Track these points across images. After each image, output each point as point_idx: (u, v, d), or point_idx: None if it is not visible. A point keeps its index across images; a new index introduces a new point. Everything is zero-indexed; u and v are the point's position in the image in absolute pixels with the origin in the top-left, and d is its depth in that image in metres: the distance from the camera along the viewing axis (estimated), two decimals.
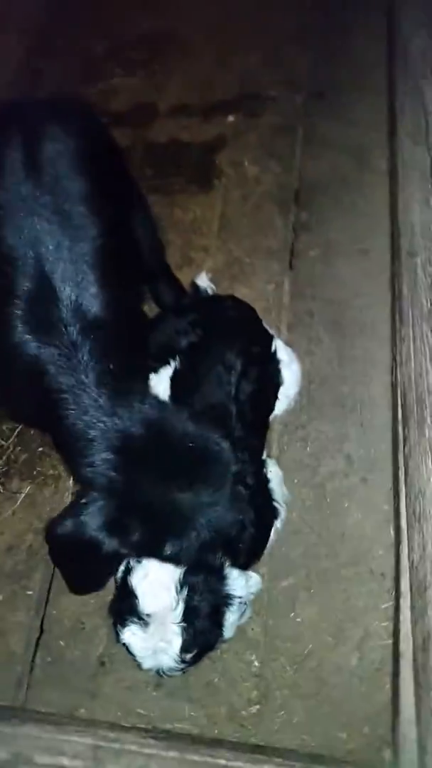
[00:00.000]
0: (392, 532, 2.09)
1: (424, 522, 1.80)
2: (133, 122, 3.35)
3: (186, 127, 3.26)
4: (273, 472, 2.05)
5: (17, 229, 1.54)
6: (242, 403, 1.94)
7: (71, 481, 2.42)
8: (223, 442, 1.65)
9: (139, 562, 1.74)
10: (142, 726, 1.92)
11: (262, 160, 3.02)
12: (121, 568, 1.79)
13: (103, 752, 1.60)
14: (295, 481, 2.22)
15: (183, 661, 1.67)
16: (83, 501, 1.58)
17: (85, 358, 1.55)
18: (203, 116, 3.27)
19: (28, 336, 1.54)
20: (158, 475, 1.57)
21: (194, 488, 1.57)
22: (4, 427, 2.58)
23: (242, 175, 3.00)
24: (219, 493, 1.60)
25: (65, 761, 1.57)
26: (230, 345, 2.01)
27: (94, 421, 1.58)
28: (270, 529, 1.97)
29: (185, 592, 1.66)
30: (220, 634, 1.74)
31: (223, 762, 1.64)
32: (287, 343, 2.44)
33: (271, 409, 2.16)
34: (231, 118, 3.20)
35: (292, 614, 2.02)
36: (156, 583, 1.69)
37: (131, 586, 1.71)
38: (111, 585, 1.90)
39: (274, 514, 1.99)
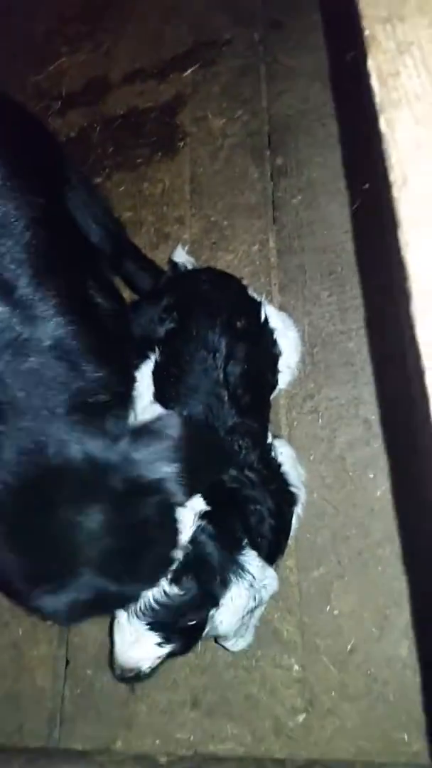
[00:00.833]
0: None
1: None
2: (88, 100, 3.11)
3: (142, 93, 2.99)
4: (284, 453, 1.82)
5: None
6: (233, 386, 1.71)
7: None
8: None
9: None
10: (183, 753, 1.76)
11: (226, 110, 2.73)
12: None
13: None
14: (311, 458, 1.98)
15: (169, 595, 1.40)
16: None
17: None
18: (159, 77, 3.00)
19: None
20: None
21: None
22: None
23: (207, 130, 2.73)
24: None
25: None
26: (210, 324, 1.77)
27: None
28: (291, 517, 1.75)
29: (201, 523, 1.47)
30: (215, 600, 1.47)
31: None
32: (281, 308, 2.19)
33: (271, 384, 1.92)
34: (188, 73, 2.91)
35: (329, 607, 1.80)
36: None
37: None
38: None
39: (292, 499, 1.76)
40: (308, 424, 2.03)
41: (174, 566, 1.39)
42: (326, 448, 1.98)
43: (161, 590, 1.39)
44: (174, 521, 1.37)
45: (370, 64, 0.55)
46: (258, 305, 1.94)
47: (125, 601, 1.39)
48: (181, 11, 3.08)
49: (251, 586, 1.49)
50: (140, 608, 1.40)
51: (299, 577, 1.85)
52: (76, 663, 2.01)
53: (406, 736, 1.60)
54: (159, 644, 1.45)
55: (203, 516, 1.47)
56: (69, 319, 1.32)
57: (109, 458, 1.23)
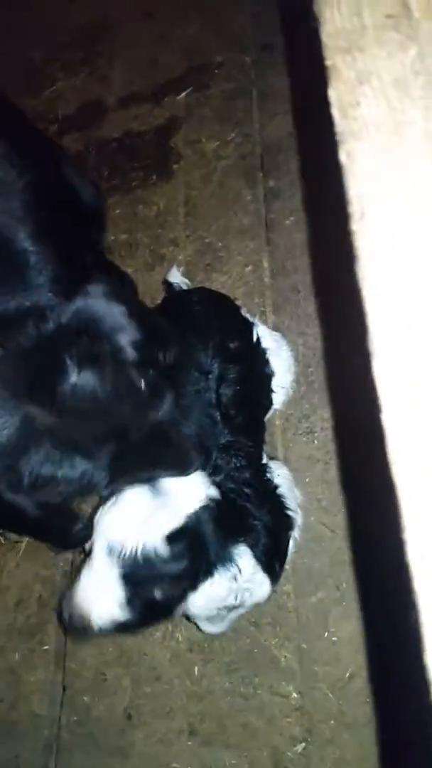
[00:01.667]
0: None
1: None
2: (83, 124, 3.14)
3: (137, 117, 3.02)
4: (281, 475, 1.80)
5: None
6: (225, 406, 1.70)
7: None
8: None
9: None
10: None
11: (219, 133, 2.75)
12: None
13: None
14: (307, 479, 1.96)
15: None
16: None
17: None
18: (153, 101, 3.02)
19: None
20: None
21: None
22: None
23: (201, 153, 2.75)
24: None
25: None
26: (203, 346, 1.76)
27: None
28: (287, 542, 1.72)
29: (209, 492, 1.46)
30: (195, 577, 1.42)
31: None
32: (275, 328, 2.18)
33: (265, 405, 1.91)
34: (182, 96, 2.94)
35: (327, 633, 1.77)
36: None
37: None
38: None
39: (288, 523, 1.73)
40: (304, 445, 2.01)
41: (172, 528, 1.36)
42: (322, 470, 1.96)
43: (152, 546, 1.34)
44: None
45: (332, 93, 0.55)
46: (250, 326, 1.93)
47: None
48: (173, 36, 3.12)
49: (234, 580, 1.45)
50: (123, 553, 1.34)
51: (297, 603, 1.82)
52: (73, 689, 1.98)
53: None
54: (120, 605, 1.36)
55: (212, 500, 1.46)
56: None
57: None
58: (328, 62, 0.56)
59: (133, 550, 1.34)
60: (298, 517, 1.77)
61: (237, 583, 1.45)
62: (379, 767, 1.52)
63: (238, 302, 2.16)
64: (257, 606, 1.70)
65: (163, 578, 1.37)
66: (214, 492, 1.48)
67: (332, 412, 1.95)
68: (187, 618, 1.67)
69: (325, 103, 0.55)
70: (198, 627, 1.72)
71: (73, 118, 3.19)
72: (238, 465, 1.66)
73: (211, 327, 1.85)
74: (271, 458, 1.85)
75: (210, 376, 1.73)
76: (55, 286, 1.42)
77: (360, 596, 1.72)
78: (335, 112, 0.54)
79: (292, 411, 2.07)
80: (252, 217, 2.51)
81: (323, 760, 1.64)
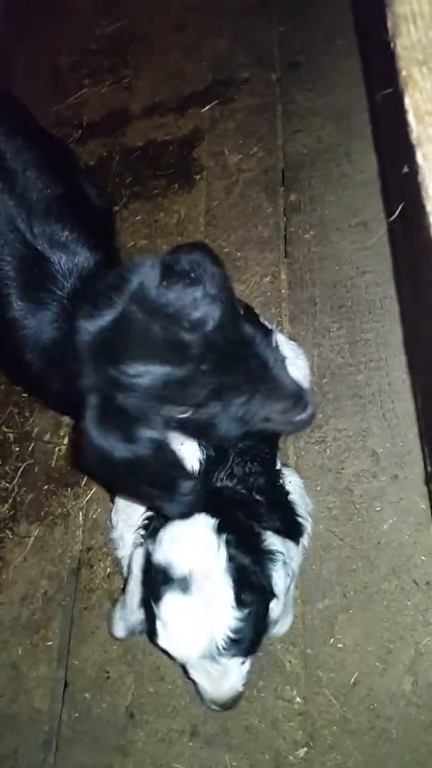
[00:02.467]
0: None
1: None
2: (108, 130, 3.20)
3: (161, 126, 3.08)
4: (293, 482, 1.83)
5: None
6: None
7: (81, 518, 2.26)
8: None
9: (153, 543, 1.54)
10: None
11: (242, 146, 2.81)
12: (139, 555, 1.58)
13: None
14: (318, 488, 1.99)
15: (242, 618, 1.39)
16: None
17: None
18: (178, 111, 3.09)
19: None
20: None
21: None
22: (7, 468, 2.44)
23: (223, 165, 2.80)
24: None
25: None
26: None
27: None
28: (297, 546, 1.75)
29: (223, 539, 1.44)
30: (272, 594, 1.49)
31: None
32: (291, 338, 2.22)
33: None
34: (206, 109, 3.00)
35: (332, 640, 1.79)
36: (187, 535, 1.48)
37: (157, 557, 1.49)
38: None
39: (299, 529, 1.76)
40: (316, 455, 2.05)
41: (231, 593, 1.39)
42: (333, 479, 1.99)
43: (232, 621, 1.38)
44: None
45: (408, 102, 0.59)
46: (270, 333, 1.97)
47: None
48: (201, 50, 3.19)
49: (284, 563, 1.53)
50: (219, 647, 1.39)
51: (304, 609, 1.84)
52: (75, 686, 1.99)
53: None
54: (242, 662, 1.49)
55: (219, 529, 1.47)
56: None
57: None
58: (404, 73, 0.60)
59: (223, 640, 1.39)
60: (308, 524, 1.81)
61: (286, 563, 1.54)
62: None
63: (256, 311, 2.20)
64: None
65: (260, 620, 1.46)
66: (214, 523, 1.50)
67: None
68: None
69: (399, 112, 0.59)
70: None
71: (97, 125, 3.24)
72: (253, 470, 1.69)
73: None
74: (284, 464, 1.88)
75: None
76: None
77: None
78: (411, 118, 0.58)
79: None
80: (271, 229, 2.56)
81: (324, 765, 1.65)
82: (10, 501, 2.37)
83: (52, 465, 2.39)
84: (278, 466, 1.83)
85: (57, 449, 2.43)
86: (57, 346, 1.57)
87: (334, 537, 1.91)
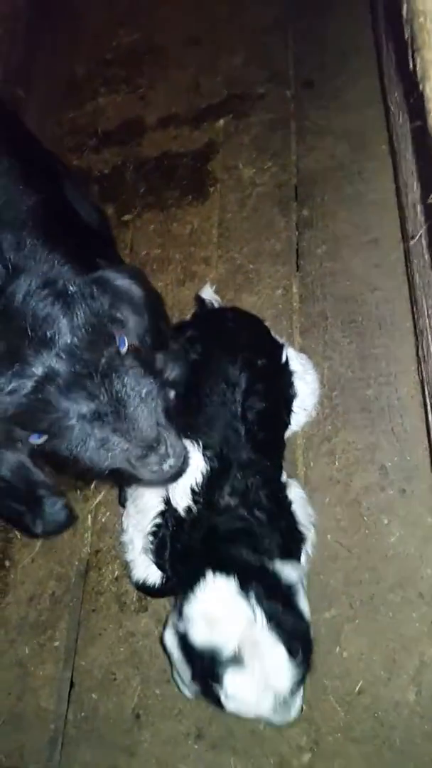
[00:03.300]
0: None
1: None
2: (122, 140, 3.25)
3: (176, 138, 3.13)
4: (295, 493, 1.86)
5: None
6: (251, 422, 1.77)
7: (90, 521, 2.29)
8: None
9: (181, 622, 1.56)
10: None
11: (256, 161, 2.86)
12: (171, 637, 1.61)
13: None
14: (327, 500, 2.04)
15: (299, 666, 1.46)
16: None
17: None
18: (193, 124, 3.14)
19: None
20: None
21: None
22: None
23: (237, 178, 2.86)
24: None
25: None
26: (232, 360, 1.84)
27: None
28: (299, 554, 1.79)
29: (252, 597, 1.50)
30: (307, 623, 1.57)
31: None
32: (301, 351, 2.27)
33: (286, 424, 1.99)
34: (221, 122, 3.06)
35: (338, 649, 1.83)
36: (219, 611, 1.51)
37: (196, 641, 1.52)
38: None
39: (300, 537, 1.79)
40: (325, 466, 2.09)
41: (283, 650, 1.45)
42: (342, 491, 2.04)
43: (291, 673, 1.45)
44: None
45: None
46: (280, 347, 2.02)
47: None
48: (218, 64, 3.25)
49: (302, 587, 1.61)
50: (287, 696, 1.46)
51: (311, 617, 1.88)
52: (81, 686, 2.03)
53: None
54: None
55: (242, 588, 1.51)
56: None
57: None
58: None
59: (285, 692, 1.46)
60: (310, 533, 1.83)
61: (301, 580, 1.63)
62: None
63: (267, 323, 2.25)
64: None
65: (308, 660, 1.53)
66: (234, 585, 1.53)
67: None
68: None
69: None
70: None
71: (112, 134, 3.29)
72: (255, 484, 1.72)
73: (242, 343, 1.93)
74: (289, 476, 1.92)
75: (237, 388, 1.79)
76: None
77: None
78: None
79: (314, 432, 2.15)
80: (284, 243, 2.61)
81: None
82: None
83: None
84: (284, 478, 1.87)
85: None
86: None
87: (341, 548, 1.95)
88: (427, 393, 1.88)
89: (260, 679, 1.44)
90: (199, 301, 2.33)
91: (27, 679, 2.10)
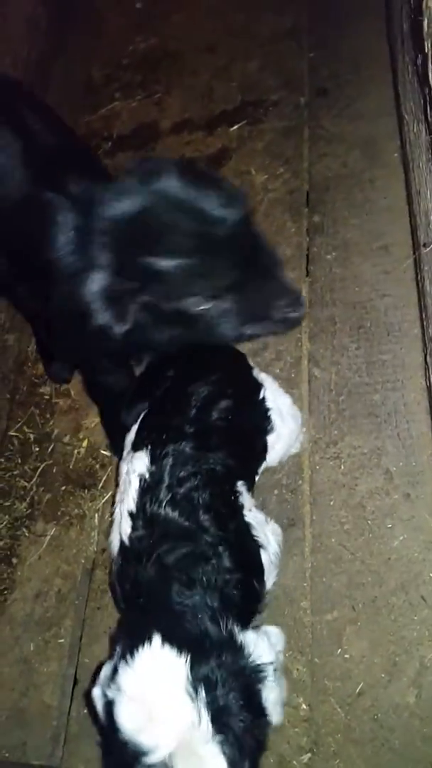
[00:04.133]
0: None
1: None
2: (137, 144, 3.29)
3: (189, 143, 3.17)
4: (253, 517, 1.71)
5: None
6: (207, 421, 1.68)
7: (96, 520, 2.32)
8: None
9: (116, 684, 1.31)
10: None
11: (269, 167, 2.89)
12: (98, 697, 1.40)
13: None
14: (331, 503, 2.06)
15: None
16: None
17: None
18: (206, 129, 3.18)
19: None
20: None
21: None
22: (26, 467, 2.51)
23: (250, 183, 2.88)
24: None
25: None
26: (198, 380, 1.75)
27: None
28: (259, 568, 1.64)
29: (202, 693, 1.24)
30: (267, 723, 1.35)
31: None
32: (310, 355, 2.30)
33: (258, 453, 1.88)
34: (235, 128, 3.09)
35: (340, 650, 1.84)
36: (155, 697, 1.26)
37: (121, 721, 1.26)
38: None
39: (255, 547, 1.65)
40: (330, 470, 2.11)
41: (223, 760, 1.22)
42: (347, 495, 2.05)
43: None
44: None
45: None
46: (257, 384, 1.90)
47: None
48: (232, 71, 3.28)
49: (274, 671, 1.40)
50: None
51: (313, 619, 1.90)
52: (85, 683, 2.04)
53: None
54: None
55: (192, 671, 1.28)
56: None
57: None
58: None
59: None
60: (269, 541, 1.72)
61: (275, 664, 1.44)
62: None
63: None
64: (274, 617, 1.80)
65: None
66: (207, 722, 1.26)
67: None
68: None
69: None
70: None
71: (127, 138, 3.33)
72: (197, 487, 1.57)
73: (211, 370, 1.80)
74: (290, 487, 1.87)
75: (194, 396, 1.71)
76: None
77: None
78: None
79: (320, 435, 2.17)
80: (294, 249, 2.63)
81: None
82: (27, 500, 2.43)
83: (71, 467, 2.46)
84: (248, 503, 1.71)
85: (76, 451, 2.49)
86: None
87: (345, 551, 1.97)
88: None
89: None
90: None
91: (31, 675, 2.12)
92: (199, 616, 1.37)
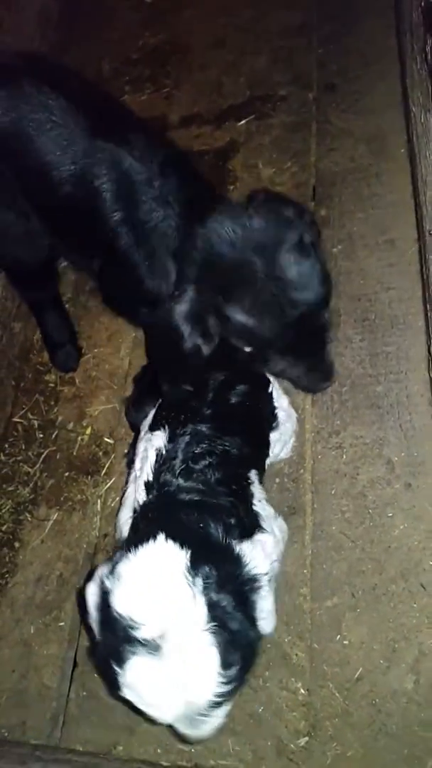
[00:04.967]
0: None
1: None
2: None
3: (198, 136, 3.18)
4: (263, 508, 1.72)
5: None
6: (225, 405, 1.73)
7: (99, 506, 2.34)
8: None
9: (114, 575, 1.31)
10: (183, 764, 1.80)
11: (276, 161, 2.91)
12: (93, 592, 1.38)
13: None
14: (333, 492, 2.07)
15: (229, 682, 1.20)
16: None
17: None
18: (215, 123, 3.20)
19: None
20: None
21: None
22: (30, 453, 2.52)
23: (257, 177, 2.90)
24: None
25: None
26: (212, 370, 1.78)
27: None
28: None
29: (200, 583, 1.24)
30: (258, 632, 1.33)
31: None
32: None
33: (267, 443, 1.91)
34: (243, 122, 3.11)
35: (339, 636, 1.86)
36: (153, 581, 1.26)
37: (116, 605, 1.26)
38: None
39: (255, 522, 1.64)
40: (332, 459, 2.13)
41: (216, 657, 1.21)
42: (348, 484, 2.07)
43: (217, 687, 1.20)
44: None
45: None
46: (268, 381, 1.93)
47: None
48: (240, 66, 3.30)
49: (268, 581, 1.40)
50: (201, 710, 1.22)
51: (312, 606, 1.92)
52: (84, 666, 2.06)
53: None
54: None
55: (193, 566, 1.29)
56: None
57: None
58: None
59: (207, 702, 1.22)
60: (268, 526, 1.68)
61: (270, 575, 1.44)
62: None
63: None
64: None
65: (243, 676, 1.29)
66: (185, 557, 1.30)
67: None
68: None
69: None
70: None
71: None
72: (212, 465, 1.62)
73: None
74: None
75: (211, 381, 1.76)
76: None
77: None
78: None
79: (323, 425, 2.19)
80: None
81: (324, 754, 1.72)
82: (31, 485, 2.45)
83: (74, 453, 2.47)
84: (258, 493, 1.72)
85: (79, 438, 2.51)
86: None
87: (345, 539, 1.98)
88: None
89: (173, 680, 1.18)
90: None
91: (31, 657, 2.13)
92: (202, 525, 1.42)
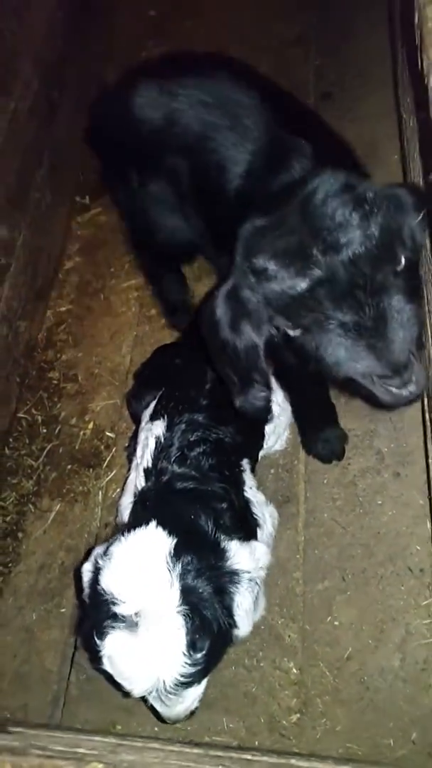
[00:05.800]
0: (429, 527, 1.99)
1: None
2: None
3: None
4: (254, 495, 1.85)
5: None
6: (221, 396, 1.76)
7: (100, 497, 2.41)
8: None
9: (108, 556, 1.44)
10: (179, 740, 1.86)
11: None
12: (88, 569, 1.52)
13: (123, 748, 1.34)
14: (325, 480, 2.15)
15: (194, 664, 1.30)
16: None
17: None
18: None
19: None
20: None
21: None
22: (33, 447, 2.60)
23: None
24: None
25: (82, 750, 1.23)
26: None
27: None
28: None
29: (179, 568, 1.34)
30: (233, 624, 1.41)
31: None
32: None
33: (260, 433, 2.02)
34: None
35: (330, 618, 1.93)
36: (138, 564, 1.37)
37: (103, 582, 1.38)
38: None
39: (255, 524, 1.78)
40: None
41: (184, 639, 1.30)
42: (339, 474, 2.15)
43: (182, 667, 1.30)
44: None
45: None
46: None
47: None
48: None
49: (249, 581, 1.46)
50: (168, 687, 1.32)
51: (305, 589, 1.99)
52: (84, 651, 2.12)
53: (391, 742, 1.71)
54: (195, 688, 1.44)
55: (177, 552, 1.38)
56: None
57: None
58: None
59: (173, 680, 1.32)
60: (265, 520, 1.83)
61: (251, 580, 1.48)
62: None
63: None
64: (268, 589, 1.88)
65: (210, 665, 1.40)
66: (169, 543, 1.41)
67: None
68: None
69: None
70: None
71: None
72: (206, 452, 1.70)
73: None
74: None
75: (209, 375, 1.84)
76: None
77: None
78: None
79: None
80: None
81: (315, 730, 1.79)
82: (34, 478, 2.53)
83: (76, 447, 2.55)
84: (249, 481, 1.83)
85: (81, 433, 2.59)
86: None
87: (336, 525, 2.06)
88: None
89: (145, 656, 1.29)
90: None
91: (33, 642, 2.20)
92: (193, 515, 1.51)
